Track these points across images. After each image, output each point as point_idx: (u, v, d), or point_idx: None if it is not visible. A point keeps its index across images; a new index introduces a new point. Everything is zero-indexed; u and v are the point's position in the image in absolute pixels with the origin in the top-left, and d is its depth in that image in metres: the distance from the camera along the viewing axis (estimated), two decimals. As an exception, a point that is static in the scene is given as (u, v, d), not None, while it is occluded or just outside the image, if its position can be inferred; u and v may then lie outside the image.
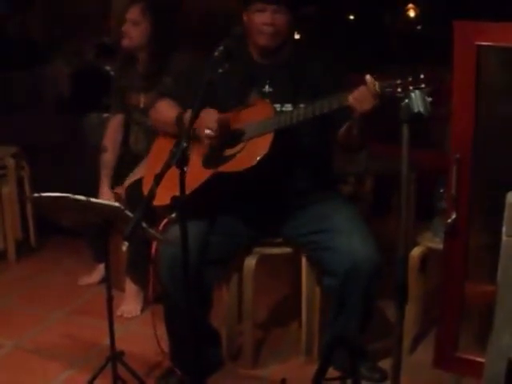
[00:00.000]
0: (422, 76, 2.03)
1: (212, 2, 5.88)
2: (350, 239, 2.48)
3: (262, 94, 2.60)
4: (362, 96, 2.21)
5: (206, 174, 2.51)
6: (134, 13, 3.24)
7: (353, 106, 2.24)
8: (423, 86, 2.00)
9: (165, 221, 2.43)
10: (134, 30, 3.25)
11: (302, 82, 2.58)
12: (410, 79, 2.04)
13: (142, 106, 3.34)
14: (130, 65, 3.36)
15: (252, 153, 2.44)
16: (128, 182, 3.24)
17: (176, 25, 3.35)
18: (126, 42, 3.29)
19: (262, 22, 2.52)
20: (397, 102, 1.95)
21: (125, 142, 3.49)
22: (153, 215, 2.41)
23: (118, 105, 3.47)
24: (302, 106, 2.40)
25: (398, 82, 2.07)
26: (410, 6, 5.61)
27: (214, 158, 2.55)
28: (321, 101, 2.31)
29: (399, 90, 2.07)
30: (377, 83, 2.17)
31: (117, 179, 3.41)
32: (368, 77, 2.20)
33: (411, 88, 2.00)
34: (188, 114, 2.54)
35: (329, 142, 2.68)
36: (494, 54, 2.38)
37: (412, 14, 5.67)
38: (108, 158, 3.44)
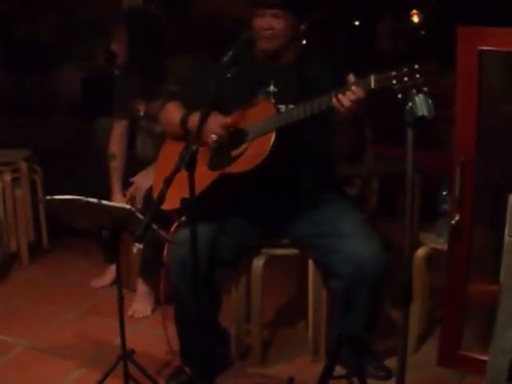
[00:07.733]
0: (416, 66, 2.04)
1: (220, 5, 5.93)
2: (355, 242, 2.49)
3: (268, 94, 2.61)
4: (343, 97, 2.24)
5: (212, 176, 2.53)
6: (116, 31, 3.32)
7: (334, 106, 2.28)
8: (421, 81, 2.00)
9: (176, 223, 2.45)
10: (119, 48, 3.32)
11: (307, 83, 2.58)
12: (405, 70, 2.05)
13: (141, 113, 3.40)
14: (130, 73, 3.38)
15: (256, 153, 2.45)
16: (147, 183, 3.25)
17: (162, 40, 3.33)
18: (119, 60, 3.37)
19: (261, 26, 2.54)
20: (400, 103, 1.95)
21: (131, 148, 3.52)
22: (166, 218, 2.45)
23: (121, 111, 3.48)
24: (302, 104, 2.39)
25: (394, 73, 2.08)
26: (414, 11, 5.62)
27: (219, 159, 2.57)
28: (320, 98, 2.32)
29: (394, 81, 2.06)
30: (372, 76, 2.18)
31: (124, 185, 3.45)
32: (350, 77, 2.24)
33: (409, 84, 2.01)
34: (193, 117, 2.57)
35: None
36: (496, 59, 2.42)
37: (416, 19, 5.68)
38: (117, 165, 3.45)
